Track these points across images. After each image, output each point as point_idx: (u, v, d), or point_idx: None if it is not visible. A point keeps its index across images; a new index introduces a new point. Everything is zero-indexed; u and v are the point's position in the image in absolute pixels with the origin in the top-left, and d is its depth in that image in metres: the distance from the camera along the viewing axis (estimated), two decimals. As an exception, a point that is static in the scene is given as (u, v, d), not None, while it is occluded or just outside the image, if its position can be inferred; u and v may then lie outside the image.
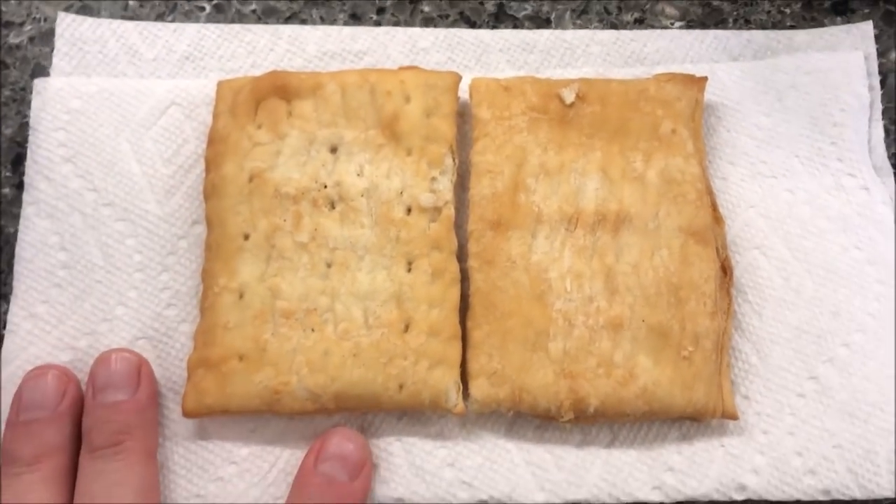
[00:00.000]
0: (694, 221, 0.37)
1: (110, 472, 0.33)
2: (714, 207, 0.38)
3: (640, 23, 0.43)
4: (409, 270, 0.36)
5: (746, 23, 0.43)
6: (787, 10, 0.44)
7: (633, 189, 0.37)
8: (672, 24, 0.43)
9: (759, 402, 0.36)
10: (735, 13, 0.44)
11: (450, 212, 0.37)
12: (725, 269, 0.37)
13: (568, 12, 0.44)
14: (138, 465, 0.34)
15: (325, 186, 0.37)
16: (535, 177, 0.37)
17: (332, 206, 0.37)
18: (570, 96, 0.38)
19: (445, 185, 0.37)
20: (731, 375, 0.37)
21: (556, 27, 0.43)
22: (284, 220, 0.36)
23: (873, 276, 0.38)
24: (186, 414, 0.35)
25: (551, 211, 0.37)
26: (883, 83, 0.41)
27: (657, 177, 0.37)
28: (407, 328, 0.35)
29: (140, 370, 0.35)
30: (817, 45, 0.42)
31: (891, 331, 0.37)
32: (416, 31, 0.42)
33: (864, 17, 0.43)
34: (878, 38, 0.42)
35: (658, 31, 0.42)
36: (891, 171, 0.40)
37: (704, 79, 0.39)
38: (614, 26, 0.43)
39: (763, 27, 0.43)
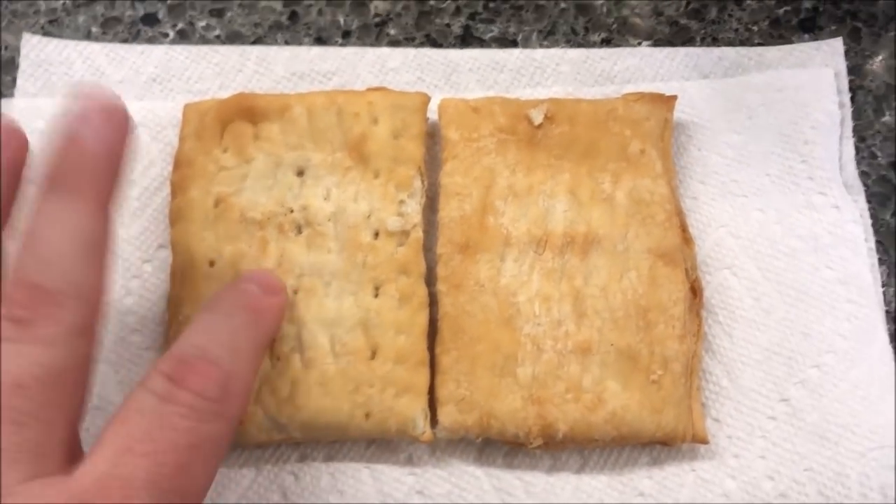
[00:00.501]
0: (662, 243, 0.37)
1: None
2: (684, 228, 0.38)
3: (607, 42, 0.43)
4: (377, 296, 0.36)
5: (714, 41, 0.43)
6: (755, 28, 0.43)
7: (601, 211, 0.37)
8: (639, 43, 0.43)
9: (731, 426, 0.36)
10: (703, 31, 0.43)
11: (418, 235, 0.36)
12: (695, 291, 0.37)
13: (535, 33, 0.43)
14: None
15: (292, 211, 0.36)
16: (504, 199, 0.37)
17: (299, 231, 0.36)
18: (538, 117, 0.38)
19: (413, 208, 0.37)
20: (702, 398, 0.36)
21: (524, 48, 0.43)
22: (250, 247, 0.36)
23: (844, 295, 0.37)
24: None
25: (520, 233, 0.37)
26: (853, 100, 0.41)
27: (626, 198, 0.37)
28: (374, 355, 0.35)
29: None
30: (787, 62, 0.42)
31: (862, 351, 0.36)
32: (384, 51, 0.42)
33: (832, 34, 0.43)
34: (846, 54, 0.42)
35: (628, 49, 0.42)
36: (861, 188, 0.40)
37: (674, 98, 0.39)
38: (581, 47, 0.43)
39: (731, 45, 0.43)
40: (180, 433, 0.26)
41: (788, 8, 0.44)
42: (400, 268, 0.36)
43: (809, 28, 0.43)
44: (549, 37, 0.43)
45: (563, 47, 0.43)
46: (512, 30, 0.44)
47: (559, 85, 0.42)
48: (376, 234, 0.36)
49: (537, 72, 0.42)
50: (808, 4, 0.44)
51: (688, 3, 0.44)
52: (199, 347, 0.28)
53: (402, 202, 0.37)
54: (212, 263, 0.36)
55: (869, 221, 0.39)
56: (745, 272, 0.38)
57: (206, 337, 0.29)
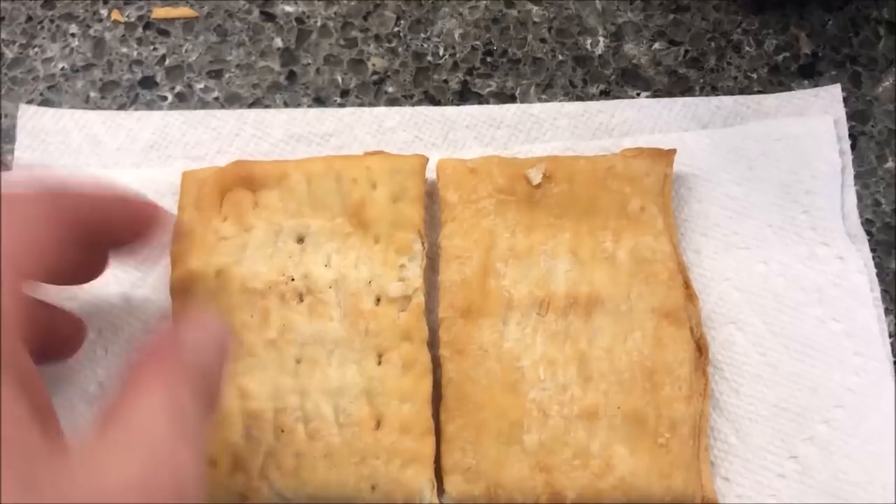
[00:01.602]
0: (666, 302, 0.36)
1: None
2: (687, 284, 0.37)
3: (606, 94, 0.43)
4: (380, 363, 0.35)
5: (714, 90, 0.43)
6: (755, 76, 0.43)
7: (603, 270, 0.37)
8: (638, 94, 0.43)
9: (740, 485, 0.36)
10: (702, 80, 0.43)
11: (419, 300, 0.36)
12: (701, 349, 0.37)
13: (533, 87, 0.43)
14: None
15: (293, 279, 0.36)
16: (505, 261, 0.37)
17: (301, 300, 0.36)
18: (536, 177, 0.38)
19: (414, 272, 0.37)
20: (711, 457, 0.36)
21: (522, 102, 0.43)
22: (252, 317, 0.36)
23: (851, 348, 0.37)
24: None
25: (522, 296, 0.36)
26: (855, 146, 0.41)
27: (627, 257, 0.37)
28: (378, 425, 0.35)
29: None
30: (786, 110, 0.42)
31: (871, 405, 0.36)
32: (381, 111, 0.42)
33: (833, 80, 0.43)
34: (846, 100, 0.42)
35: (626, 101, 0.42)
36: (865, 237, 0.39)
37: (672, 152, 0.39)
38: (580, 99, 0.43)
39: (731, 93, 0.43)
40: None
41: (787, 54, 0.44)
42: (402, 334, 0.36)
43: (809, 74, 0.43)
44: (547, 90, 0.43)
45: (561, 101, 0.43)
46: (510, 84, 0.43)
47: (557, 140, 0.41)
48: (378, 300, 0.36)
49: (535, 127, 0.42)
50: (807, 50, 0.44)
51: (686, 53, 0.44)
52: None
53: (402, 266, 0.37)
54: (214, 337, 0.35)
55: (874, 271, 0.39)
56: (750, 327, 0.38)
57: None
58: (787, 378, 0.37)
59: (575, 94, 0.43)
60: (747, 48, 0.44)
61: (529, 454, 0.34)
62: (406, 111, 0.42)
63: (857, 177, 0.41)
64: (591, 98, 0.43)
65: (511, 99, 0.43)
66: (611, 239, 0.37)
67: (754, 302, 0.38)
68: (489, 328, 0.36)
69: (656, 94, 0.43)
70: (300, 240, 0.37)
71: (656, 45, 0.44)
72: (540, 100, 0.43)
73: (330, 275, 0.36)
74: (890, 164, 0.41)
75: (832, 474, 0.35)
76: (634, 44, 0.44)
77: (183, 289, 0.36)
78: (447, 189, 0.38)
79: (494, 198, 0.38)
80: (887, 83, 0.43)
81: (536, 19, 0.45)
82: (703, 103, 0.42)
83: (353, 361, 0.35)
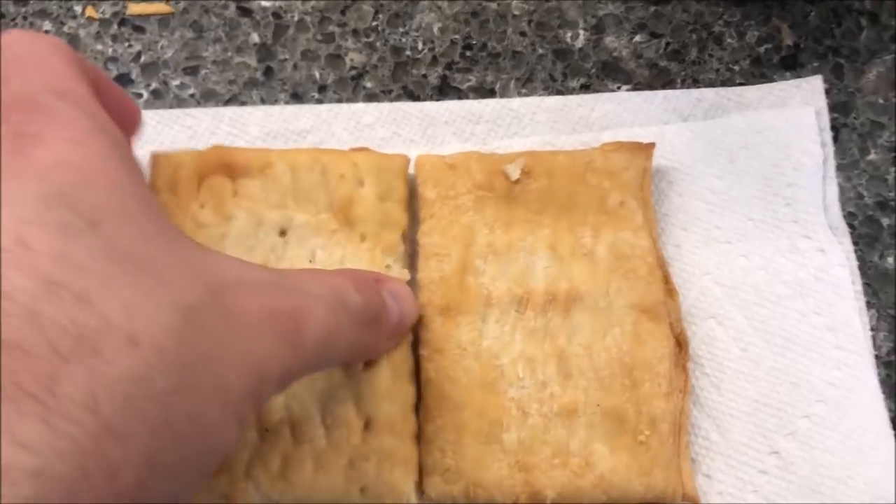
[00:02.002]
0: (645, 298, 0.36)
1: None
2: (667, 279, 0.37)
3: (586, 88, 0.43)
4: (366, 365, 0.35)
5: (695, 82, 0.43)
6: (736, 68, 0.43)
7: (582, 266, 0.36)
8: (619, 87, 0.43)
9: (721, 482, 0.35)
10: (683, 73, 0.43)
11: None
12: (681, 344, 0.36)
13: (513, 81, 0.43)
14: None
15: None
16: (484, 258, 0.37)
17: None
18: (515, 172, 0.38)
19: (399, 273, 0.36)
20: (692, 453, 0.36)
21: (501, 97, 0.42)
22: None
23: (832, 342, 0.37)
24: None
25: (501, 293, 0.36)
26: (837, 138, 0.41)
27: (607, 252, 0.37)
28: (366, 427, 0.34)
29: None
30: (768, 102, 0.41)
31: (853, 399, 0.36)
32: (359, 107, 0.42)
33: (815, 71, 0.42)
34: (828, 91, 0.41)
35: (606, 95, 0.42)
36: (846, 230, 0.39)
37: (651, 145, 0.39)
38: (560, 93, 0.42)
39: (712, 86, 0.42)
40: None
41: (769, 46, 0.43)
42: None
43: (791, 66, 0.43)
44: (527, 84, 0.43)
45: (541, 95, 0.42)
46: (489, 78, 0.43)
47: (537, 134, 0.41)
48: None
49: (514, 121, 0.41)
50: (789, 41, 0.43)
51: (667, 45, 0.43)
52: None
53: (388, 267, 0.36)
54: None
55: (855, 264, 0.38)
56: (731, 321, 0.37)
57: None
58: (769, 373, 0.37)
59: (555, 87, 0.43)
60: (729, 40, 0.43)
61: (509, 453, 0.34)
62: (384, 107, 0.42)
63: (839, 169, 0.40)
64: (572, 92, 0.42)
65: (491, 94, 0.43)
66: (590, 234, 0.37)
67: (735, 296, 0.38)
68: (468, 326, 0.36)
69: (637, 87, 0.43)
70: (282, 233, 0.36)
71: (637, 38, 0.44)
72: (520, 94, 0.43)
73: None
74: (872, 157, 0.41)
75: (814, 469, 0.35)
76: (615, 36, 0.44)
77: None
78: (426, 185, 0.38)
79: (473, 194, 0.38)
80: (870, 74, 0.43)
81: (516, 12, 0.44)
82: (683, 96, 0.42)
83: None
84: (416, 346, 0.36)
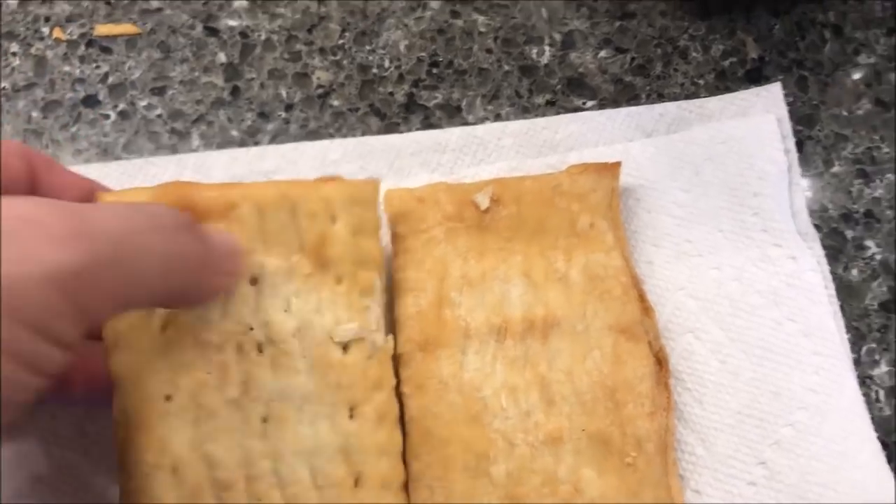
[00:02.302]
0: (622, 318, 0.36)
1: None
2: (642, 298, 0.37)
3: (552, 104, 0.43)
4: (352, 417, 0.33)
5: (660, 97, 0.43)
6: (701, 82, 0.43)
7: (557, 291, 0.37)
8: (584, 104, 0.43)
9: (710, 496, 0.36)
10: (648, 87, 0.43)
11: (388, 344, 0.34)
12: (660, 361, 0.36)
13: (479, 98, 0.43)
14: None
15: (252, 328, 0.33)
16: (459, 289, 0.37)
17: (260, 351, 0.33)
18: (484, 201, 0.38)
19: (377, 313, 0.35)
20: (680, 470, 0.36)
21: (468, 114, 0.42)
22: (209, 374, 0.33)
23: (809, 348, 0.37)
24: None
25: (479, 324, 0.36)
26: (800, 150, 0.41)
27: (580, 275, 0.37)
28: (357, 483, 0.33)
29: None
30: (729, 112, 0.42)
31: (832, 404, 0.36)
32: (324, 144, 0.41)
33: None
34: (792, 104, 0.42)
35: (570, 116, 0.42)
36: (816, 235, 0.39)
37: (617, 165, 0.39)
38: (526, 109, 0.43)
39: (677, 100, 0.42)
40: None
41: (734, 59, 0.44)
42: (373, 384, 0.34)
43: (756, 79, 0.43)
44: (493, 101, 0.43)
45: (507, 111, 0.43)
46: (456, 95, 0.43)
47: (503, 160, 0.41)
48: (345, 349, 0.34)
49: (480, 148, 0.41)
50: (753, 55, 0.44)
51: (632, 60, 0.44)
52: None
53: (367, 308, 0.34)
54: (168, 398, 0.32)
55: (827, 268, 0.39)
56: (707, 334, 0.38)
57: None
58: (749, 384, 0.37)
59: (521, 104, 0.43)
60: (694, 54, 0.44)
61: (498, 486, 0.34)
62: (349, 142, 0.41)
63: (804, 178, 0.41)
64: (537, 108, 0.43)
65: (457, 111, 0.43)
66: (562, 258, 0.37)
67: (710, 309, 0.38)
68: (448, 359, 0.36)
69: (602, 102, 0.43)
70: (254, 281, 0.33)
71: (602, 53, 0.44)
72: (486, 111, 0.43)
73: (292, 322, 0.33)
74: (836, 169, 0.41)
75: (800, 476, 0.35)
76: (581, 52, 0.44)
77: (122, 344, 0.32)
78: (396, 220, 0.38)
79: (444, 226, 0.37)
80: (833, 87, 0.43)
81: (482, 29, 0.44)
82: (646, 111, 0.42)
83: (324, 417, 0.33)
84: (398, 387, 0.35)
